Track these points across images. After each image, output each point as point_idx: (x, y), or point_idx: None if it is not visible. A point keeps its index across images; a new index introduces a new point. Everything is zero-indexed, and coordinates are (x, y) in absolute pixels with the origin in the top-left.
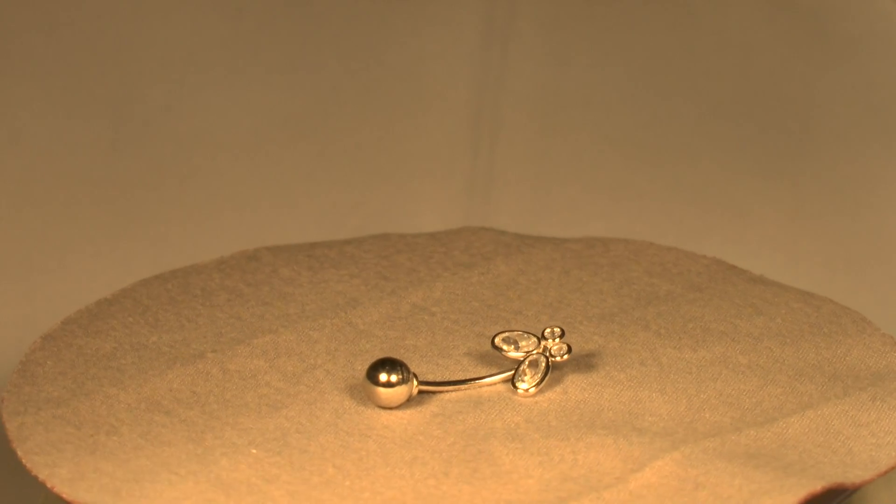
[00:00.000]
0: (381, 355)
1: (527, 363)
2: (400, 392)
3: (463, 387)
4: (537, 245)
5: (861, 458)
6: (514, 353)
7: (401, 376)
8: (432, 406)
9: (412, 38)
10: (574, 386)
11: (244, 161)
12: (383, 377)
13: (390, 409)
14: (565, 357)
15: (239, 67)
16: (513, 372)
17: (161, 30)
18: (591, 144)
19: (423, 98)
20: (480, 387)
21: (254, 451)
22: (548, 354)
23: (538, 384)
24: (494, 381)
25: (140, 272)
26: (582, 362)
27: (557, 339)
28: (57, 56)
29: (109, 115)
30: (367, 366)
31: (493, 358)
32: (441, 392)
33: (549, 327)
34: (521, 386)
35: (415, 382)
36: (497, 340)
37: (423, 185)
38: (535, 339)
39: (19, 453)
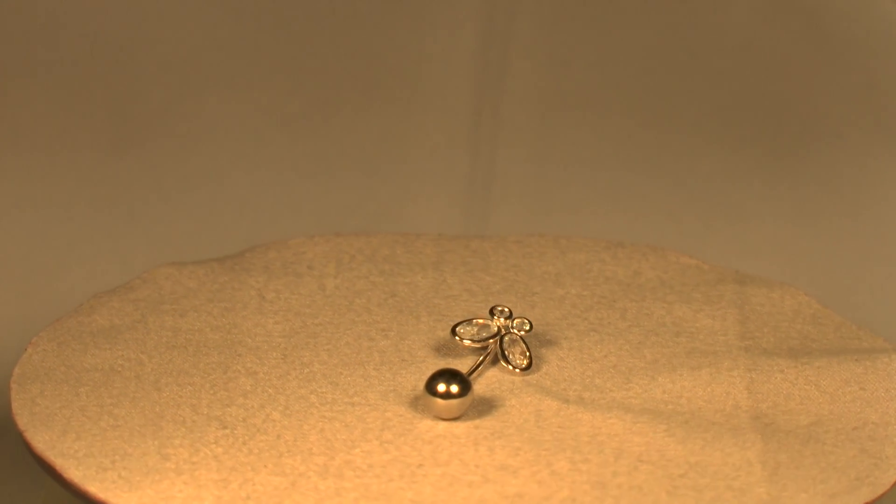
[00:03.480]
0: (348, 378)
1: (506, 343)
2: (468, 400)
3: (479, 372)
4: (247, 266)
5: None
6: (477, 340)
7: (464, 384)
8: (473, 408)
9: (412, 38)
10: (550, 357)
11: (244, 161)
12: (443, 388)
13: (452, 419)
14: (522, 332)
15: (239, 67)
16: (491, 353)
17: (161, 30)
18: (591, 144)
19: (423, 98)
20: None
21: None
22: (515, 331)
23: (530, 360)
24: (485, 365)
25: (140, 272)
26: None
27: (504, 319)
28: (57, 56)
29: (109, 115)
30: (356, 389)
31: (441, 349)
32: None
33: (498, 306)
34: (519, 364)
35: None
36: (459, 329)
37: (423, 185)
38: (491, 322)
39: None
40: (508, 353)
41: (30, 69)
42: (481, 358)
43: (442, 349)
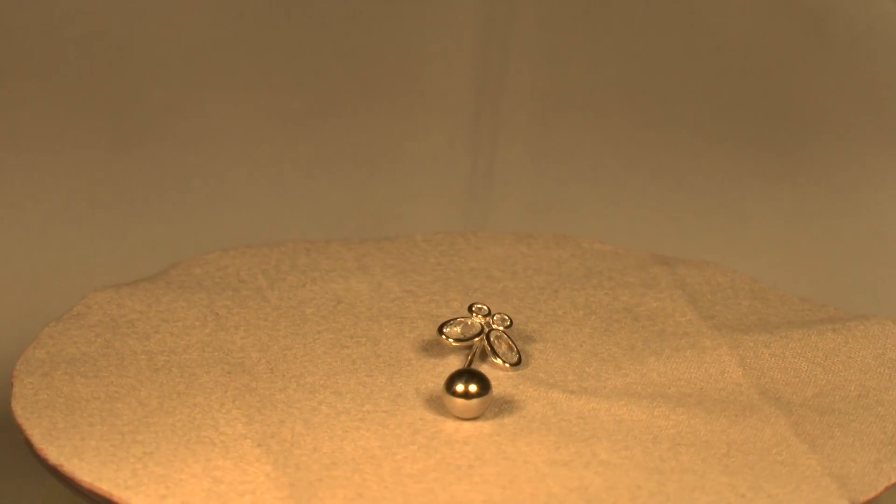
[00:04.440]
0: (346, 387)
1: (492, 340)
2: (489, 398)
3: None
4: (181, 283)
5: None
6: (464, 339)
7: (483, 384)
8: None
9: (412, 38)
10: (530, 350)
11: (244, 161)
12: (471, 388)
13: (472, 419)
14: (503, 328)
15: (239, 67)
16: (477, 351)
17: (161, 30)
18: (590, 145)
19: (423, 98)
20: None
21: None
22: (497, 327)
23: (520, 355)
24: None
25: (140, 272)
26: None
27: (483, 316)
28: (57, 56)
29: (109, 115)
30: (362, 397)
31: (421, 350)
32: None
33: (476, 304)
34: (510, 360)
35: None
36: (446, 330)
37: (423, 185)
38: (471, 320)
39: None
40: (497, 350)
41: (30, 69)
42: (469, 357)
43: (422, 350)
